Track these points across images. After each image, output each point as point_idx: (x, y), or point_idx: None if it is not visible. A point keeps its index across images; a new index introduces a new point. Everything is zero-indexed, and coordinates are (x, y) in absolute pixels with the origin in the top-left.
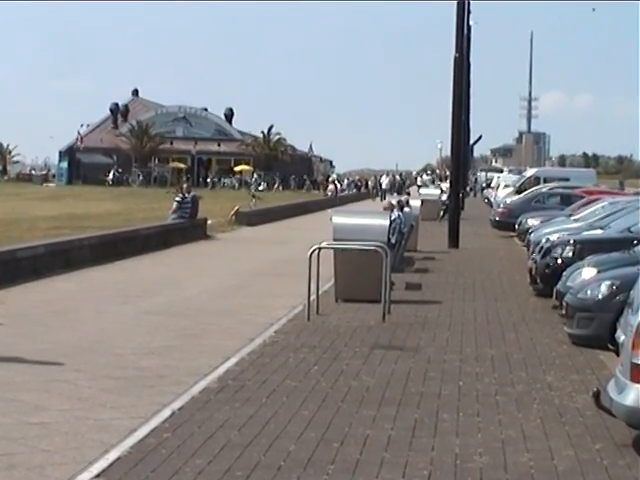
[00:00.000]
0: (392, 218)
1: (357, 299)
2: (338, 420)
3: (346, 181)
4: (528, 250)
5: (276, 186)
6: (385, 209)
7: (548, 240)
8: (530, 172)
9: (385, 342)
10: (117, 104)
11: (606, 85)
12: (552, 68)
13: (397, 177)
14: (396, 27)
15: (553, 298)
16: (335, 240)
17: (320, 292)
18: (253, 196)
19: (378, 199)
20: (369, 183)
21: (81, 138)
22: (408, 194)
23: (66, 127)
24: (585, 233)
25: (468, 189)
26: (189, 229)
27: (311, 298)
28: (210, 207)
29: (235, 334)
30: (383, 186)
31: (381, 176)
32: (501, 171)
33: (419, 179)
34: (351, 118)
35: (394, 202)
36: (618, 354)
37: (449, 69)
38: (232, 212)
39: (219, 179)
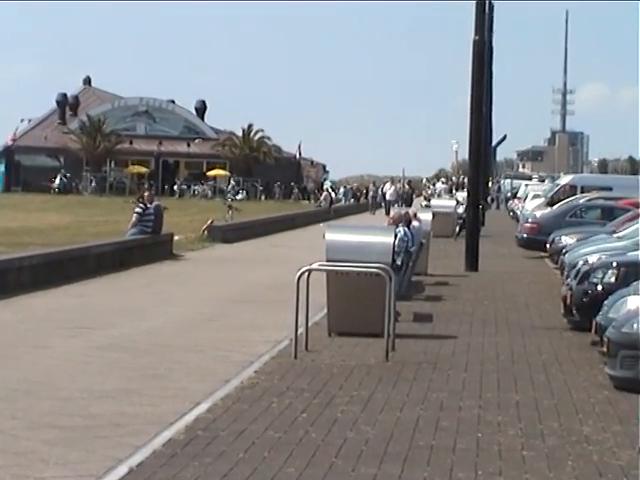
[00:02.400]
0: (397, 235)
1: (355, 332)
2: (331, 479)
3: (342, 189)
4: (562, 274)
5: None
6: (394, 222)
7: (586, 262)
8: (565, 179)
9: (389, 385)
10: (65, 95)
11: None
12: (592, 55)
13: (405, 185)
14: (403, 8)
15: (592, 332)
16: (328, 261)
17: (310, 324)
18: (230, 207)
19: (381, 212)
20: (370, 192)
21: (14, 136)
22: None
23: (3, 122)
24: (631, 254)
25: (489, 200)
26: (152, 247)
27: (299, 331)
28: (177, 220)
29: (207, 374)
30: (387, 196)
31: (384, 184)
32: (529, 178)
33: (430, 187)
34: (348, 115)
35: (403, 212)
36: None
37: (467, 57)
38: (204, 226)
39: (188, 186)
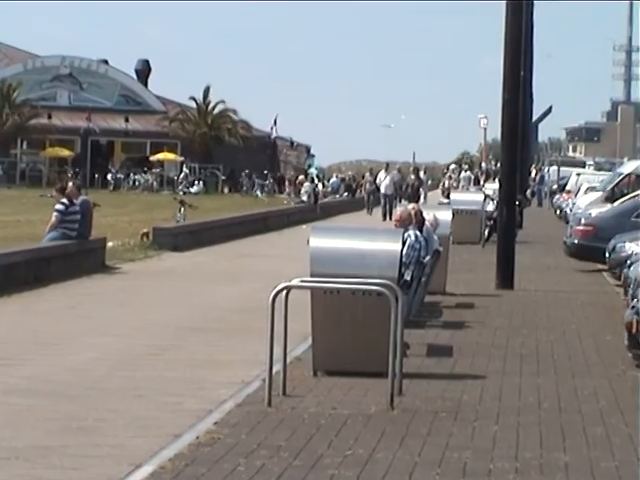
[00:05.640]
0: (406, 240)
1: (349, 371)
2: None
3: (333, 179)
4: (626, 294)
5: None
6: (401, 223)
7: None
8: (629, 167)
9: (394, 441)
10: None
11: None
12: None
13: (411, 174)
14: None
15: None
16: (313, 275)
17: (289, 359)
18: (182, 203)
19: (377, 211)
20: (366, 183)
21: None
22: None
23: None
24: None
25: (529, 194)
26: (77, 256)
27: (275, 369)
28: (112, 220)
29: (151, 427)
30: (382, 189)
31: (378, 172)
32: (582, 165)
33: (446, 176)
34: (340, 80)
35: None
36: None
37: (499, 4)
38: (143, 230)
39: (127, 175)
